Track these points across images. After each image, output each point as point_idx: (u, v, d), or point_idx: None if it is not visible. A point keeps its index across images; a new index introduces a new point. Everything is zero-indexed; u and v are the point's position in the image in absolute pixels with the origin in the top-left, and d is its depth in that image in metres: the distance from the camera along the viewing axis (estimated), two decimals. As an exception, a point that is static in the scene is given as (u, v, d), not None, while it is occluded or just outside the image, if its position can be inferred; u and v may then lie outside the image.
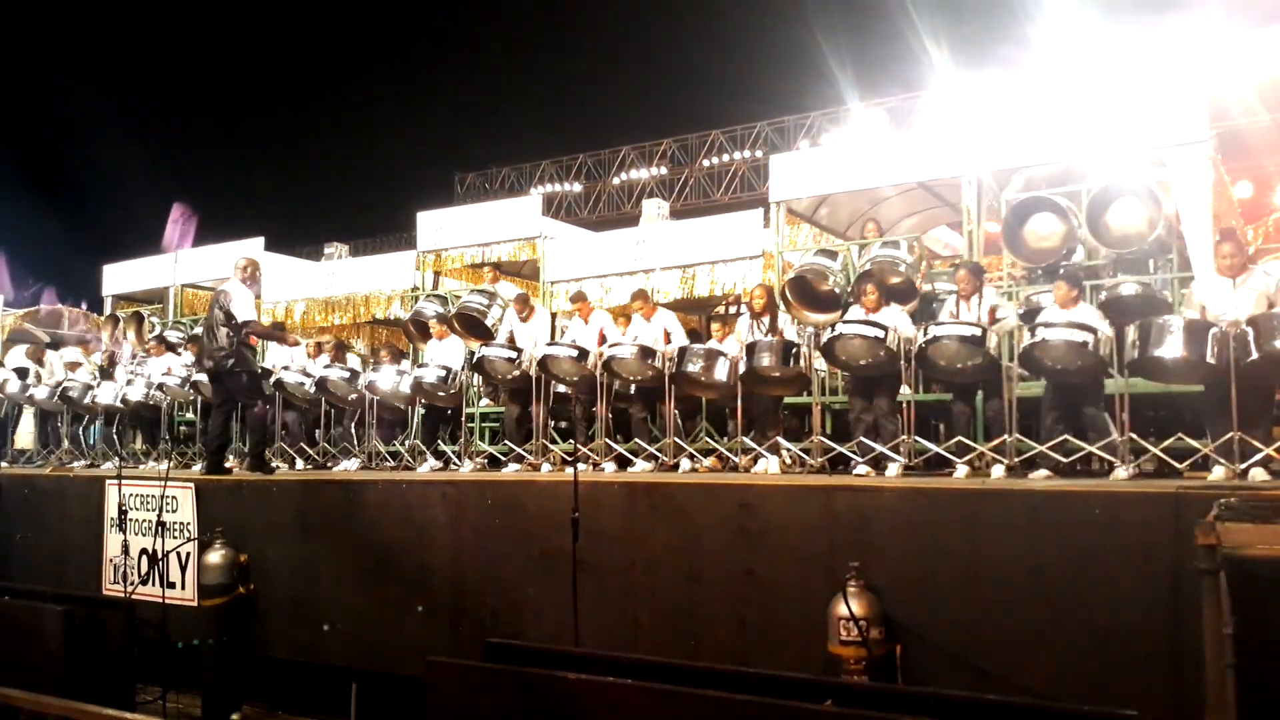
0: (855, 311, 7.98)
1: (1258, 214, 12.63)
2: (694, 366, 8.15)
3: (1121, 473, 6.35)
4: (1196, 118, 7.60)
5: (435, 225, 11.26)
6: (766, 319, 8.45)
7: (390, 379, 9.73)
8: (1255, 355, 6.10)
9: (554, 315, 10.40)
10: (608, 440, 8.45)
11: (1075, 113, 8.45)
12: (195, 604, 8.39)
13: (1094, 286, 7.86)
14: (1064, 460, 6.67)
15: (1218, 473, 6.15)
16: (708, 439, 8.71)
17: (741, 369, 7.88)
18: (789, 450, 7.81)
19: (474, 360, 9.32)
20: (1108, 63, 15.89)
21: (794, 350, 7.84)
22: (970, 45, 18.95)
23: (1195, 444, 6.36)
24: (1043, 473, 6.58)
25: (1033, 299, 8.29)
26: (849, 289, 8.66)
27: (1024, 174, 8.83)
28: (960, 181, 8.48)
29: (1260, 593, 4.27)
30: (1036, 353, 6.79)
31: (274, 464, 9.80)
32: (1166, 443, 6.50)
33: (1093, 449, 6.58)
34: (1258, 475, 5.97)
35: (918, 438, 7.31)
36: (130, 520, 9.12)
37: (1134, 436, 6.51)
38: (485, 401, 10.23)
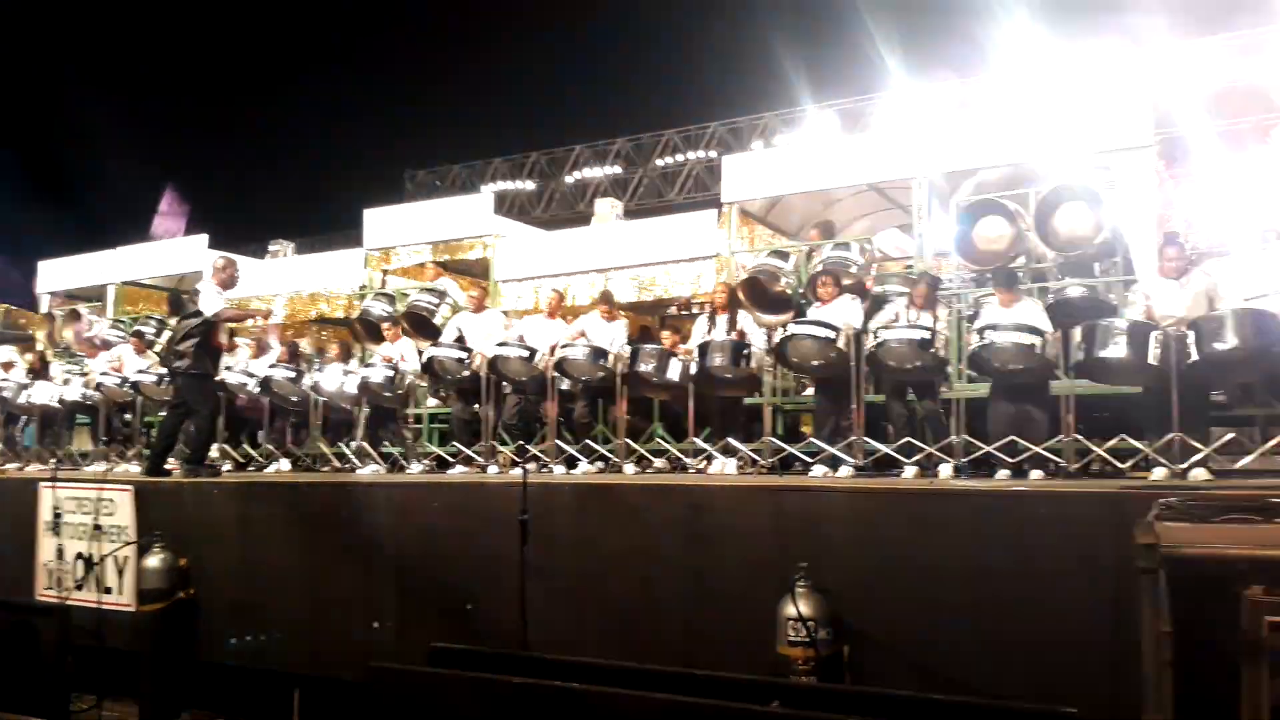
0: (812, 310, 8.04)
1: (1199, 219, 12.91)
2: (646, 367, 8.17)
3: (1036, 474, 6.53)
4: (1141, 123, 7.78)
5: (383, 223, 11.16)
6: (726, 318, 8.45)
7: (336, 379, 9.62)
8: (1195, 357, 6.25)
9: (505, 314, 10.36)
10: (558, 442, 8.43)
11: (1024, 118, 8.63)
12: (133, 609, 8.22)
13: (1041, 289, 8.01)
14: (1010, 460, 6.78)
15: (1159, 473, 6.30)
16: (660, 440, 8.72)
17: (693, 370, 7.91)
18: (740, 451, 7.85)
19: (423, 360, 9.26)
20: (1056, 70, 16.24)
21: (745, 351, 7.88)
22: (922, 50, 19.22)
23: (1138, 444, 6.50)
24: (1004, 473, 6.70)
25: (981, 301, 8.42)
26: (801, 290, 8.74)
27: (974, 177, 8.96)
28: (911, 184, 8.59)
29: (1198, 591, 4.36)
30: (984, 354, 6.91)
31: (219, 465, 9.64)
32: (1110, 443, 6.63)
33: (1038, 449, 6.69)
34: (1198, 475, 6.11)
35: (867, 439, 7.39)
36: (65, 524, 8.92)
37: (1079, 437, 6.63)
38: (433, 402, 10.17)
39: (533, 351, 8.65)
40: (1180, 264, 6.90)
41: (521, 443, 8.28)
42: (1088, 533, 5.31)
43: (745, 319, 8.56)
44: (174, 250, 12.69)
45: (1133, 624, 4.48)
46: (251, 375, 10.23)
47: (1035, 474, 6.63)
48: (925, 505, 5.98)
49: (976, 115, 8.79)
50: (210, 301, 8.96)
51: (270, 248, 13.35)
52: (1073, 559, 5.33)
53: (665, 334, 9.09)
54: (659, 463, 8.34)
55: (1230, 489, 5.47)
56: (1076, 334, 6.63)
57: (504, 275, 10.22)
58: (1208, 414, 6.85)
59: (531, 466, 8.21)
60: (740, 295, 8.75)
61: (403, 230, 11.01)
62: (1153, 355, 6.34)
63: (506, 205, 23.77)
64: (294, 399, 9.96)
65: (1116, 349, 6.47)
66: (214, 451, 9.70)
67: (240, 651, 8.04)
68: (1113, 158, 7.91)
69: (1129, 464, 6.58)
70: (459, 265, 11.58)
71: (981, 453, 6.93)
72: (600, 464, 8.29)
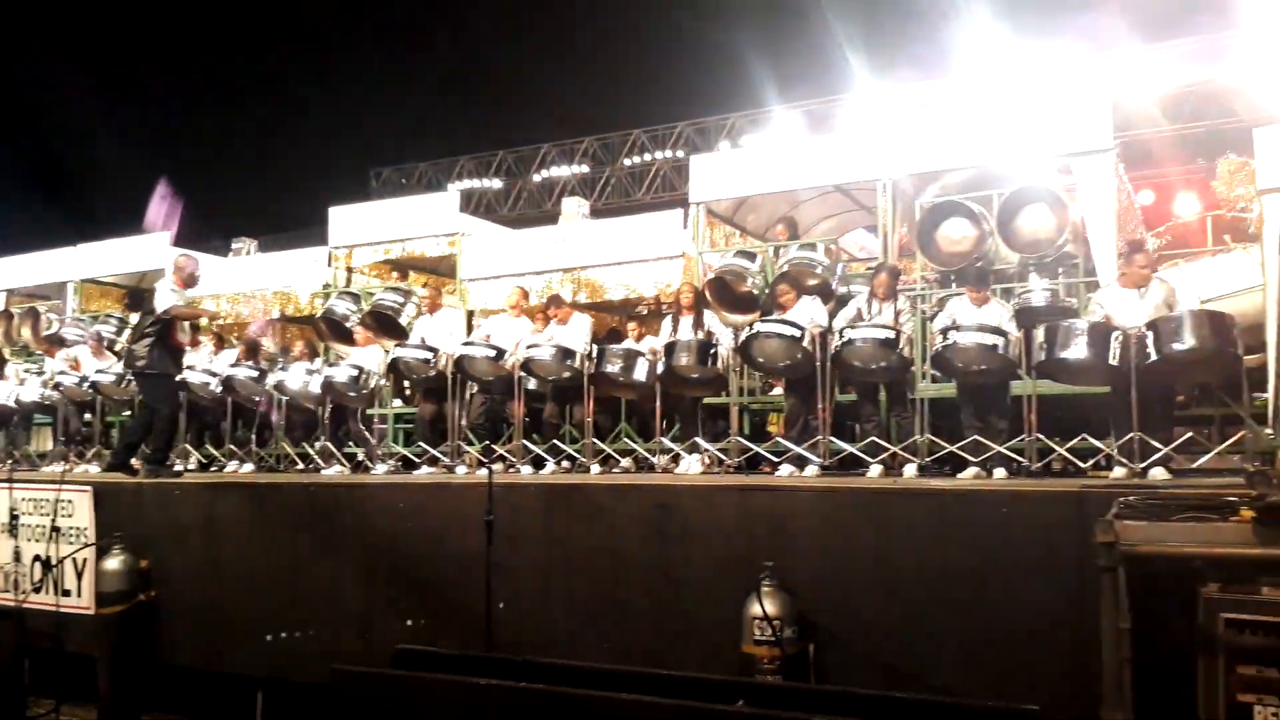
0: (775, 313, 8.08)
1: (1158, 221, 13.13)
2: (613, 367, 8.17)
3: (1000, 472, 6.64)
4: (1102, 127, 7.89)
5: (348, 221, 11.07)
6: (692, 318, 8.46)
7: (299, 378, 9.53)
8: (1155, 358, 6.35)
9: (471, 314, 10.32)
10: (524, 442, 8.41)
11: (988, 120, 8.70)
12: (92, 612, 8.09)
13: (1004, 290, 8.09)
14: (974, 459, 6.85)
15: (1119, 472, 6.40)
16: (627, 440, 8.72)
17: (660, 369, 7.92)
18: (707, 450, 7.88)
19: (389, 361, 9.20)
20: (1018, 73, 16.44)
21: (712, 350, 7.90)
22: (886, 51, 19.38)
23: (1098, 444, 6.59)
24: (969, 472, 6.76)
25: (945, 301, 8.50)
26: (767, 290, 8.77)
27: (939, 179, 9.04)
28: (876, 185, 8.65)
29: (1156, 588, 4.43)
30: (948, 355, 6.98)
31: (176, 466, 9.52)
32: (1071, 443, 6.72)
33: (1000, 449, 6.76)
34: (1158, 474, 6.22)
35: (833, 438, 7.43)
36: (22, 525, 8.76)
37: (1041, 437, 6.71)
38: (398, 402, 10.11)
39: (499, 351, 8.62)
40: (1146, 273, 6.96)
41: (488, 443, 8.24)
42: (1049, 531, 5.37)
43: (711, 319, 8.58)
44: (135, 248, 12.49)
45: (1093, 621, 4.54)
46: (214, 374, 10.11)
47: (998, 473, 6.71)
48: (890, 504, 6.02)
49: (940, 118, 8.84)
50: (164, 299, 8.85)
51: (233, 245, 13.20)
52: (1035, 557, 5.39)
53: (631, 325, 9.09)
54: (626, 462, 8.35)
55: (1188, 488, 5.55)
56: (1039, 335, 6.71)
57: (470, 274, 10.16)
58: (1167, 414, 6.97)
59: (498, 467, 8.19)
60: (707, 295, 8.77)
61: (368, 228, 10.93)
62: (1113, 356, 6.44)
63: (473, 204, 23.67)
64: (256, 398, 9.87)
65: (1077, 350, 6.56)
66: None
67: (202, 654, 7.95)
68: (1074, 161, 8.00)
69: (1090, 463, 6.68)
70: (426, 263, 11.51)
71: (945, 452, 7.00)
72: (567, 464, 8.28)
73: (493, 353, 8.60)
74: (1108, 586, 4.39)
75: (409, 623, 7.05)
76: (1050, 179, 8.31)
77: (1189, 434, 6.90)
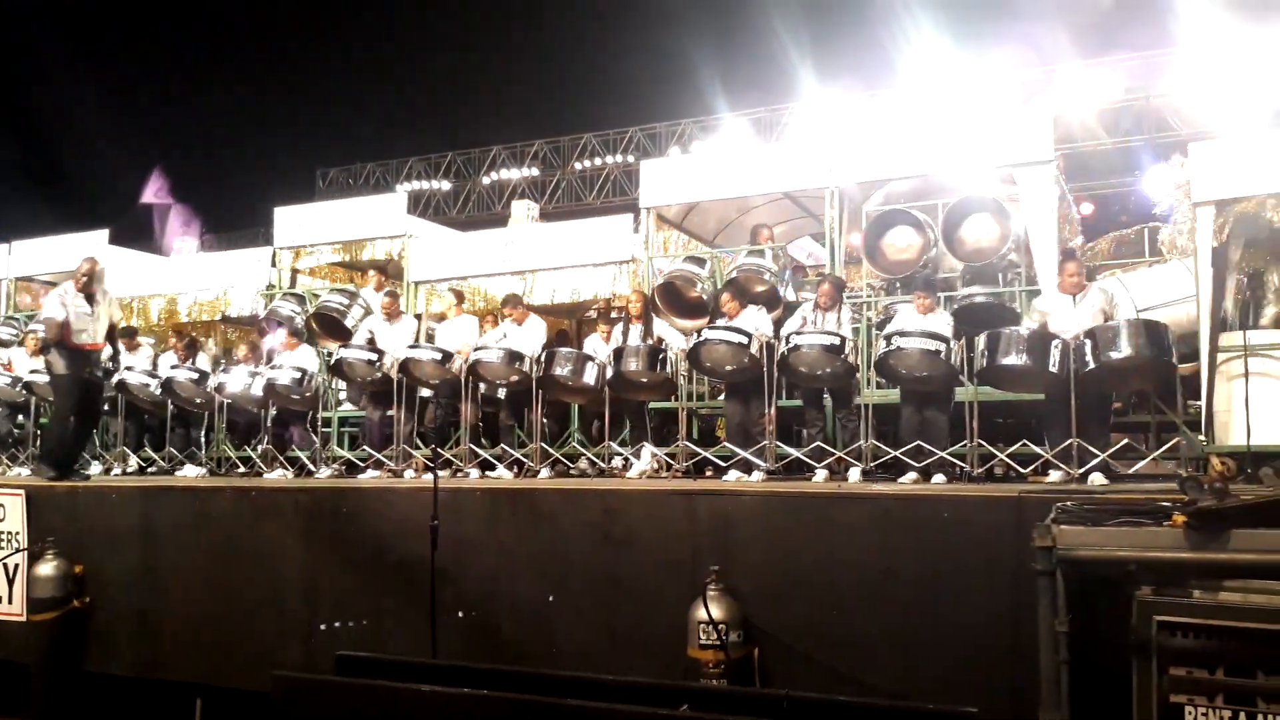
0: (720, 320, 8.11)
1: (1098, 232, 13.41)
2: (562, 370, 8.14)
3: (939, 478, 6.69)
4: (1043, 139, 8.03)
5: (294, 221, 10.91)
6: (640, 325, 8.48)
7: (241, 380, 9.37)
8: (1093, 365, 6.48)
9: (419, 317, 10.22)
10: (472, 446, 8.34)
11: (933, 130, 8.83)
12: (24, 619, 7.88)
13: (948, 297, 8.20)
14: (916, 465, 6.92)
15: (1056, 476, 6.52)
16: (577, 445, 8.70)
17: (609, 373, 7.91)
18: (655, 455, 7.88)
19: (332, 362, 9.07)
20: (963, 84, 16.75)
21: (661, 355, 7.91)
22: (833, 60, 19.62)
23: (1038, 449, 6.71)
24: (911, 477, 6.84)
25: (890, 308, 8.60)
26: (716, 296, 8.79)
27: (885, 188, 9.14)
28: (824, 193, 8.72)
29: (1093, 591, 4.52)
30: (891, 361, 7.05)
31: (86, 471, 9.31)
32: (1012, 448, 6.82)
33: (943, 454, 6.85)
34: (1095, 480, 6.33)
35: (779, 443, 7.47)
36: (-50, 530, 8.50)
37: (982, 442, 6.80)
38: (346, 406, 9.98)
39: (446, 354, 8.54)
40: (1079, 280, 7.12)
41: (435, 447, 8.16)
42: (989, 535, 5.44)
43: (661, 324, 8.59)
44: (70, 245, 12.18)
45: (1032, 624, 4.61)
46: (154, 376, 9.91)
47: (938, 478, 6.79)
48: (833, 508, 6.07)
49: (887, 127, 8.93)
50: (50, 305, 8.84)
51: (175, 245, 12.95)
52: (975, 561, 5.46)
53: (601, 327, 9.09)
54: (583, 463, 8.30)
55: (1124, 493, 5.67)
56: (980, 341, 6.80)
57: (417, 276, 10.06)
58: (1105, 420, 7.11)
59: (446, 472, 8.12)
60: (656, 300, 8.78)
61: (314, 229, 10.77)
62: (1052, 363, 6.56)
63: (422, 205, 23.51)
64: (198, 400, 9.69)
65: (1018, 357, 6.68)
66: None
67: (139, 662, 7.78)
68: (1016, 171, 8.14)
69: (1030, 469, 6.78)
70: (368, 266, 11.35)
71: (889, 457, 7.07)
72: (516, 468, 8.23)
73: (439, 355, 8.52)
74: (1045, 590, 4.47)
75: (352, 628, 6.96)
76: (993, 189, 8.46)
77: (1125, 440, 7.06)
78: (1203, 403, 6.83)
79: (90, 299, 8.89)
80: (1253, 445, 6.34)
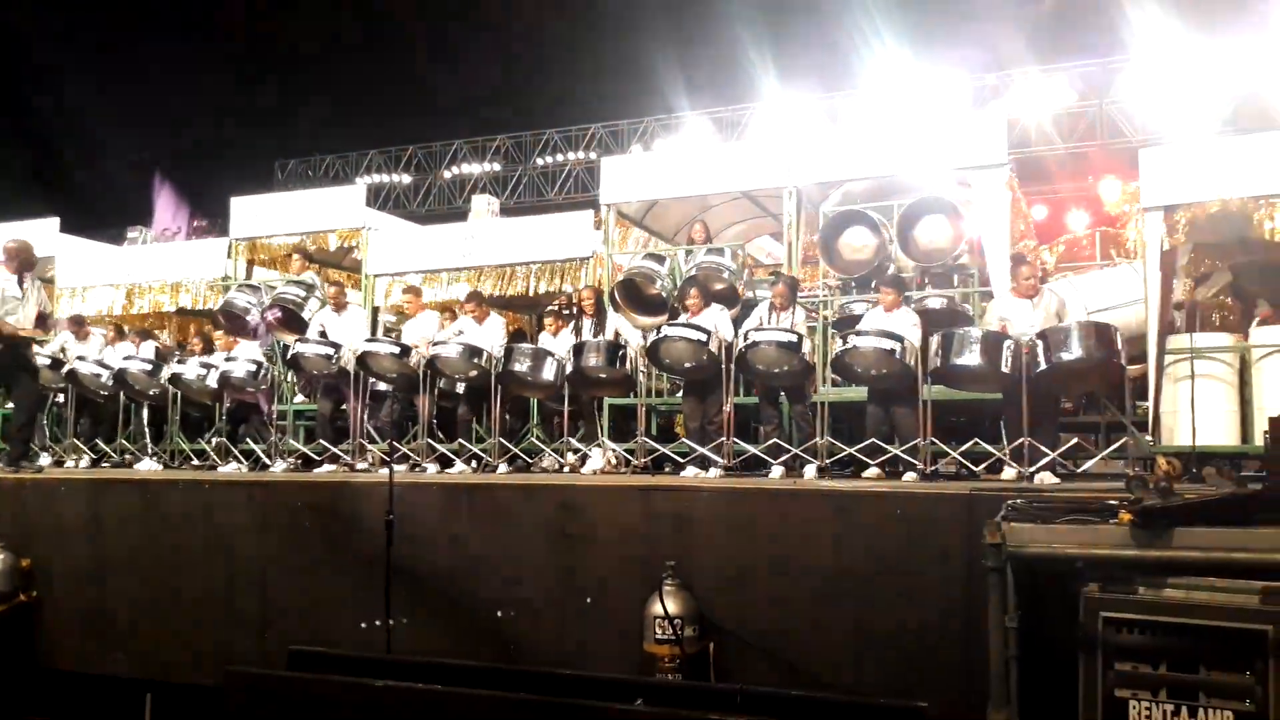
0: (682, 317, 8.11)
1: (1052, 235, 13.62)
2: (521, 366, 8.08)
3: (910, 475, 6.74)
4: (997, 143, 8.12)
5: (251, 212, 10.75)
6: (593, 320, 8.48)
7: (194, 371, 9.22)
8: (1044, 366, 6.57)
9: (376, 310, 10.12)
10: (429, 440, 8.27)
11: (890, 133, 8.89)
12: (-33, 613, 7.70)
13: (905, 297, 8.25)
14: (871, 463, 6.98)
15: (1008, 474, 6.61)
16: (536, 440, 8.66)
17: (568, 369, 7.88)
18: (613, 451, 7.86)
19: (289, 356, 8.95)
20: (920, 87, 16.91)
21: (620, 351, 7.89)
22: (794, 63, 19.73)
23: (990, 448, 6.79)
24: (872, 473, 6.89)
25: (846, 307, 8.66)
26: (675, 293, 8.80)
27: (842, 188, 9.20)
28: (783, 192, 8.75)
29: (1041, 588, 4.57)
30: (848, 359, 7.10)
31: (38, 463, 9.14)
32: (964, 447, 6.90)
33: (896, 451, 6.91)
34: (1045, 478, 6.42)
35: (736, 439, 7.48)
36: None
37: (935, 440, 6.87)
38: (300, 398, 9.86)
39: (404, 348, 8.46)
40: (1033, 284, 7.21)
41: (391, 441, 8.09)
42: (941, 533, 5.51)
43: (620, 321, 8.56)
44: (15, 233, 11.90)
45: (983, 620, 4.66)
46: (106, 367, 9.72)
47: (909, 476, 6.81)
48: (789, 505, 6.10)
49: (845, 129, 8.98)
50: None
51: (129, 234, 12.72)
52: (926, 558, 5.52)
53: (548, 320, 9.11)
54: (548, 462, 8.24)
55: (1073, 491, 5.76)
56: (934, 342, 6.88)
57: (376, 269, 9.96)
58: (1055, 420, 7.21)
59: (403, 467, 8.05)
60: (616, 296, 8.76)
61: (271, 220, 10.62)
62: (1005, 363, 6.63)
63: (381, 198, 23.29)
64: (151, 392, 9.52)
65: (971, 357, 6.75)
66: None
67: (87, 657, 7.63)
68: (971, 174, 8.22)
69: (982, 467, 6.86)
70: (330, 257, 11.24)
71: (844, 454, 7.12)
72: (475, 464, 8.17)
73: (396, 350, 8.44)
74: (995, 586, 4.52)
75: (306, 623, 6.88)
76: (949, 191, 8.53)
77: (1075, 440, 7.16)
78: (1150, 403, 6.95)
79: (20, 282, 8.67)
80: (1197, 445, 6.45)
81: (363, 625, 6.49)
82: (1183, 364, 6.72)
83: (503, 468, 8.01)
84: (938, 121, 8.64)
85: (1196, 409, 6.46)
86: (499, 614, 6.45)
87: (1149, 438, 6.84)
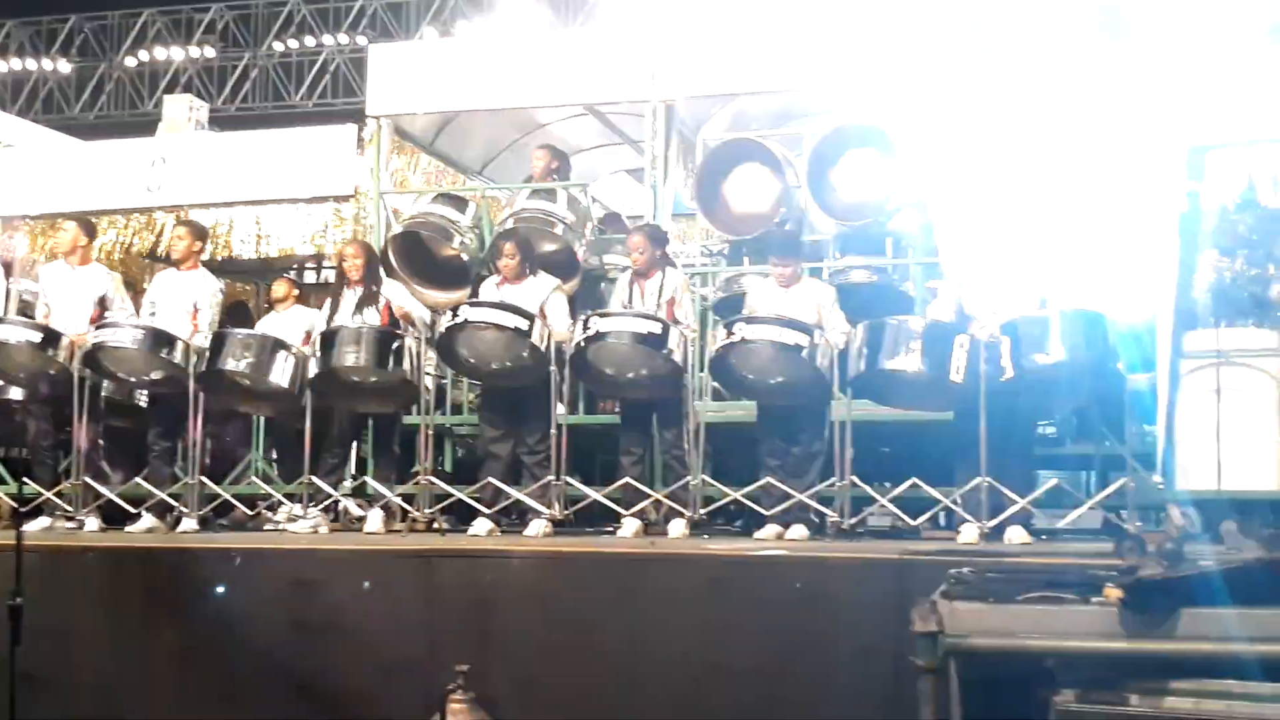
0: (488, 287, 8.05)
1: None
2: (237, 363, 7.87)
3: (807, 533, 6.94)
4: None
5: None
6: (361, 293, 8.26)
7: None
8: (1010, 373, 6.71)
9: (9, 265, 9.81)
10: (87, 480, 8.01)
11: (803, 27, 8.99)
12: None
13: (813, 271, 8.30)
14: (766, 513, 7.09)
15: (968, 535, 6.71)
16: (255, 480, 8.55)
17: (313, 369, 7.74)
18: (387, 499, 7.76)
19: None
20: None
21: (395, 343, 7.79)
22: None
23: (933, 492, 6.98)
24: (771, 530, 6.98)
25: (735, 282, 8.76)
26: (482, 255, 8.76)
27: (730, 106, 9.32)
28: (645, 109, 8.84)
29: (995, 697, 4.70)
30: (732, 359, 7.19)
31: None
32: (898, 490, 7.09)
33: (802, 497, 7.03)
34: (1014, 535, 6.62)
35: (571, 480, 7.48)
36: None
37: (857, 481, 7.03)
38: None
39: (49, 333, 8.13)
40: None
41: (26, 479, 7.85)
42: (860, 616, 5.67)
43: (398, 294, 8.46)
44: None
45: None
46: None
47: (797, 530, 6.97)
48: (642, 576, 6.22)
49: (737, 19, 9.05)
50: None
51: None
52: (840, 653, 5.69)
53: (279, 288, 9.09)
54: (280, 513, 8.08)
55: (1049, 556, 5.98)
56: (856, 335, 7.00)
57: (7, 210, 9.66)
58: (1030, 451, 7.43)
59: (43, 522, 7.83)
60: (391, 257, 8.69)
61: None
62: (955, 369, 6.72)
63: (26, 95, 22.79)
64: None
65: (909, 359, 6.85)
66: None
67: None
68: (927, 89, 8.30)
69: (923, 519, 7.04)
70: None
71: (727, 500, 7.23)
72: (164, 516, 7.96)
73: (37, 336, 8.13)
74: (926, 694, 4.60)
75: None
76: (886, 114, 8.63)
77: (1055, 481, 7.41)
78: (1160, 428, 7.18)
79: None
80: (1224, 489, 6.55)
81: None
82: (1207, 371, 6.75)
83: (190, 524, 7.76)
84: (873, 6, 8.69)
85: (1223, 437, 6.55)
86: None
87: (1158, 478, 7.03)
